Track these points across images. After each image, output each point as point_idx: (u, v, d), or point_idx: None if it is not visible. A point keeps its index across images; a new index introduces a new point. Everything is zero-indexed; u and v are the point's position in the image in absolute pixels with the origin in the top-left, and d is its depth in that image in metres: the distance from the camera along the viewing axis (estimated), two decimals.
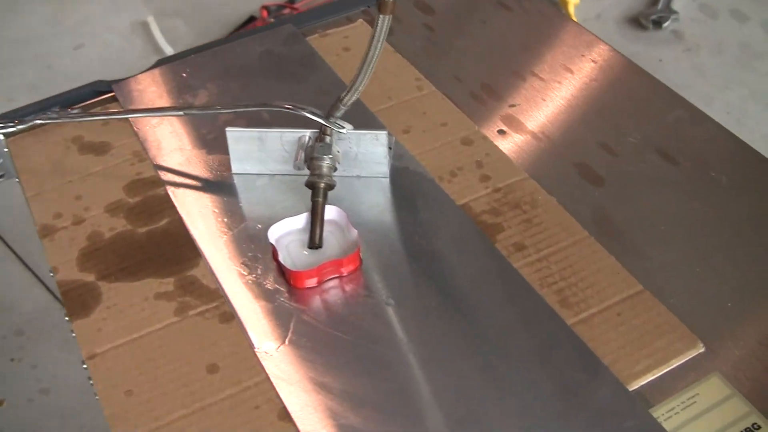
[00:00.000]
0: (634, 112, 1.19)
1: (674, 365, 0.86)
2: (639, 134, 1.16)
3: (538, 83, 1.25)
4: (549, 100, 1.21)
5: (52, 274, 1.01)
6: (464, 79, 1.26)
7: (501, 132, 1.16)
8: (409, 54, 1.30)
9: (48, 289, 2.10)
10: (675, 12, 2.96)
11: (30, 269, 2.18)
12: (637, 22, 2.96)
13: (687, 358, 0.87)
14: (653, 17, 2.94)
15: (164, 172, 1.11)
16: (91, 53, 2.91)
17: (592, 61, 1.29)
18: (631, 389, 0.84)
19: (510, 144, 1.14)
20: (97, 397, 0.90)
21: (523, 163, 1.11)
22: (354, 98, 0.99)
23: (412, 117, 1.18)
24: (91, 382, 0.90)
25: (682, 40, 2.91)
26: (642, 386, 0.85)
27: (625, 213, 1.05)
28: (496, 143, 1.14)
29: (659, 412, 0.82)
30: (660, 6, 2.98)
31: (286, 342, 0.91)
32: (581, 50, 1.30)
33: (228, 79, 1.26)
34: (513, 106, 1.21)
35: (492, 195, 1.06)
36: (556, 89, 1.23)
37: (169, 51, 2.79)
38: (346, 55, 1.30)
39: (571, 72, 1.26)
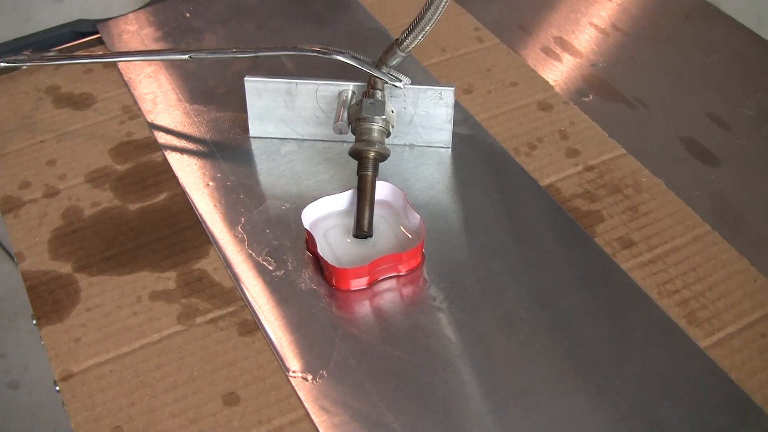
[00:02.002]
0: (744, 78, 0.97)
1: None
2: (753, 105, 0.91)
3: (623, 39, 1.00)
4: (639, 60, 0.97)
5: (15, 261, 0.76)
6: (532, 30, 1.01)
7: (585, 95, 0.91)
8: None
9: (18, 266, 1.85)
10: None
11: None
12: None
13: None
14: None
15: (161, 133, 0.86)
16: (73, 5, 2.66)
17: (686, 15, 1.04)
18: None
19: (598, 111, 0.91)
20: (72, 429, 0.65)
21: (617, 135, 0.87)
22: (417, 41, 0.75)
23: (473, 74, 0.93)
24: (66, 409, 0.65)
25: (720, 4, 2.66)
26: None
27: (750, 200, 0.83)
28: (579, 110, 0.89)
29: None
30: None
31: (331, 364, 0.66)
32: (669, 1, 1.05)
33: (240, 21, 1.01)
34: (595, 65, 0.95)
35: (584, 174, 0.82)
36: (645, 47, 0.98)
37: None
38: None
39: (661, 27, 1.01)
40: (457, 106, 0.87)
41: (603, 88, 0.95)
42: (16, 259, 0.78)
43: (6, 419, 1.65)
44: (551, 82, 0.94)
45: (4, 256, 1.89)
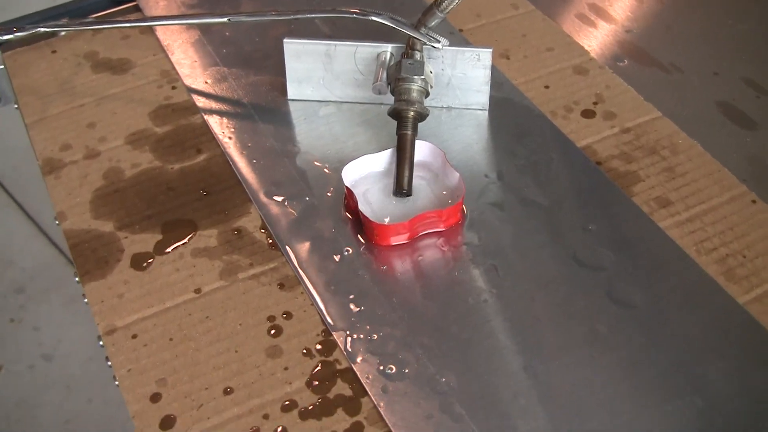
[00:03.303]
0: None
1: None
2: None
3: (657, 5, 1.00)
4: (674, 25, 0.97)
5: (57, 221, 0.77)
6: None
7: (620, 60, 0.91)
8: None
9: (52, 241, 1.87)
10: None
11: (32, 218, 1.94)
12: None
13: None
14: None
15: (200, 97, 0.87)
16: None
17: None
18: None
19: (633, 76, 0.91)
20: (116, 383, 0.66)
21: (653, 99, 0.87)
22: (456, 2, 0.75)
23: (509, 39, 0.94)
24: (110, 364, 0.66)
25: None
26: None
27: None
28: (615, 74, 0.89)
29: None
30: None
31: (372, 318, 0.68)
32: None
33: None
34: (630, 31, 0.95)
35: (620, 136, 0.82)
36: (680, 14, 0.98)
37: None
38: None
39: None
40: (494, 70, 0.87)
41: (638, 54, 0.94)
42: (57, 220, 0.79)
43: (41, 391, 1.67)
44: (586, 47, 0.94)
45: (36, 232, 1.91)
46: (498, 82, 0.88)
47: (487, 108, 0.85)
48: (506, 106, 0.87)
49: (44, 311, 1.82)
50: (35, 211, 1.96)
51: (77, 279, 0.74)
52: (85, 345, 1.71)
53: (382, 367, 0.65)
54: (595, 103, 0.87)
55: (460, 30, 0.96)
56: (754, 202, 0.78)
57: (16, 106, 0.92)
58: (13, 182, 2.00)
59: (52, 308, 1.82)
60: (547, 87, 0.89)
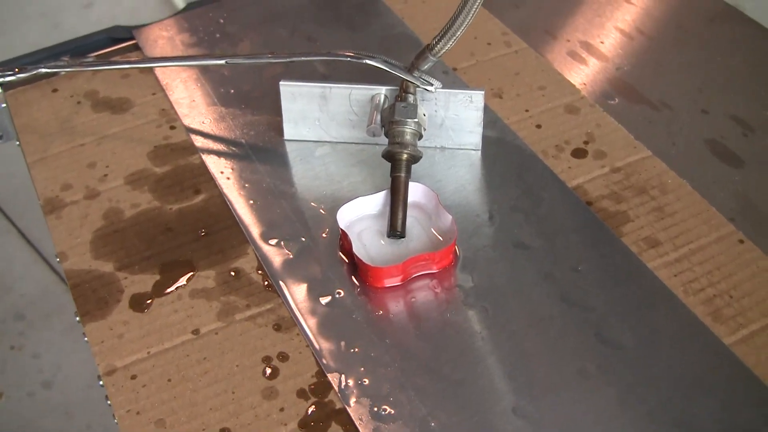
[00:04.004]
0: None
1: None
2: None
3: (647, 42, 1.02)
4: (664, 63, 0.99)
5: (58, 260, 0.79)
6: (558, 35, 1.03)
7: (610, 98, 0.93)
8: (490, 4, 1.06)
9: (52, 267, 1.88)
10: None
11: (32, 245, 1.96)
12: None
13: None
14: None
15: (198, 137, 0.89)
16: (101, 11, 2.68)
17: (710, 19, 1.05)
18: None
19: (623, 114, 0.92)
20: (115, 422, 0.67)
21: (642, 137, 0.89)
22: (449, 47, 0.77)
23: (502, 78, 0.96)
24: (109, 403, 0.68)
25: (744, 8, 2.67)
26: None
27: None
28: (605, 113, 0.91)
29: None
30: None
31: (366, 360, 0.70)
32: (693, 5, 1.07)
33: (273, 26, 1.04)
34: (620, 68, 0.97)
35: (611, 176, 0.84)
36: (670, 51, 1.00)
37: None
38: (415, 2, 1.08)
39: (685, 30, 1.03)
40: (487, 109, 0.89)
41: (628, 91, 0.96)
42: (59, 259, 0.80)
43: (41, 417, 1.68)
44: (578, 86, 0.96)
45: (36, 258, 1.92)
46: (491, 120, 0.90)
47: (480, 148, 0.87)
48: (499, 146, 0.88)
49: (44, 338, 1.84)
50: (35, 237, 1.97)
51: (78, 319, 0.75)
52: (84, 372, 1.73)
53: (375, 409, 0.67)
54: (585, 142, 0.89)
55: (454, 69, 0.98)
56: (741, 241, 0.79)
57: (17, 143, 0.94)
58: (14, 209, 2.01)
59: (52, 335, 1.84)
60: (539, 126, 0.91)
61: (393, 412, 0.67)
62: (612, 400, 0.67)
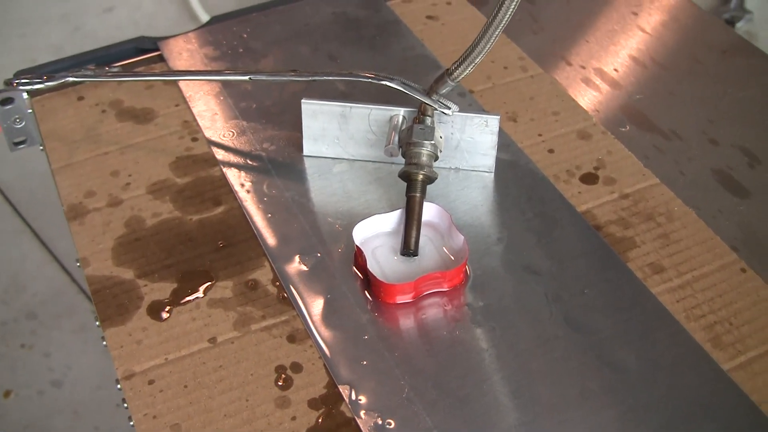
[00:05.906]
0: None
1: None
2: None
3: (661, 72, 1.04)
4: (676, 92, 1.01)
5: (79, 264, 0.81)
6: (573, 61, 1.05)
7: (622, 126, 0.95)
8: (508, 29, 1.09)
9: (64, 268, 1.91)
10: (749, 12, 2.75)
11: (45, 245, 1.98)
12: None
13: None
14: (725, 16, 2.72)
15: (219, 150, 0.91)
16: (121, 16, 2.71)
17: (723, 51, 1.08)
18: None
19: (634, 142, 0.95)
20: (131, 423, 0.70)
21: (652, 165, 0.92)
22: (467, 72, 0.80)
23: (517, 102, 0.98)
24: (126, 406, 0.70)
25: (756, 41, 2.69)
26: None
27: None
28: (616, 139, 0.93)
29: None
30: (733, 5, 2.76)
31: (376, 373, 0.73)
32: (707, 37, 1.10)
33: (296, 43, 1.06)
34: (633, 96, 1.00)
35: (619, 202, 0.86)
36: (682, 80, 1.03)
37: (204, 18, 2.58)
38: (434, 25, 1.10)
39: (698, 61, 1.06)
40: (501, 132, 0.91)
41: (639, 119, 0.99)
42: (80, 264, 0.83)
43: (50, 416, 1.71)
44: (590, 112, 0.98)
45: (49, 259, 1.94)
46: (505, 143, 0.93)
47: (493, 170, 0.90)
48: (512, 169, 0.91)
49: (55, 337, 1.86)
50: (49, 237, 2.00)
51: (98, 323, 0.78)
52: (94, 372, 1.75)
53: (380, 422, 0.69)
54: (596, 168, 0.91)
55: (471, 91, 1.00)
56: (743, 270, 0.82)
57: (41, 147, 0.97)
58: (30, 210, 2.04)
59: (62, 335, 1.86)
60: (551, 151, 0.93)
61: (400, 424, 0.69)
62: (613, 421, 0.69)
